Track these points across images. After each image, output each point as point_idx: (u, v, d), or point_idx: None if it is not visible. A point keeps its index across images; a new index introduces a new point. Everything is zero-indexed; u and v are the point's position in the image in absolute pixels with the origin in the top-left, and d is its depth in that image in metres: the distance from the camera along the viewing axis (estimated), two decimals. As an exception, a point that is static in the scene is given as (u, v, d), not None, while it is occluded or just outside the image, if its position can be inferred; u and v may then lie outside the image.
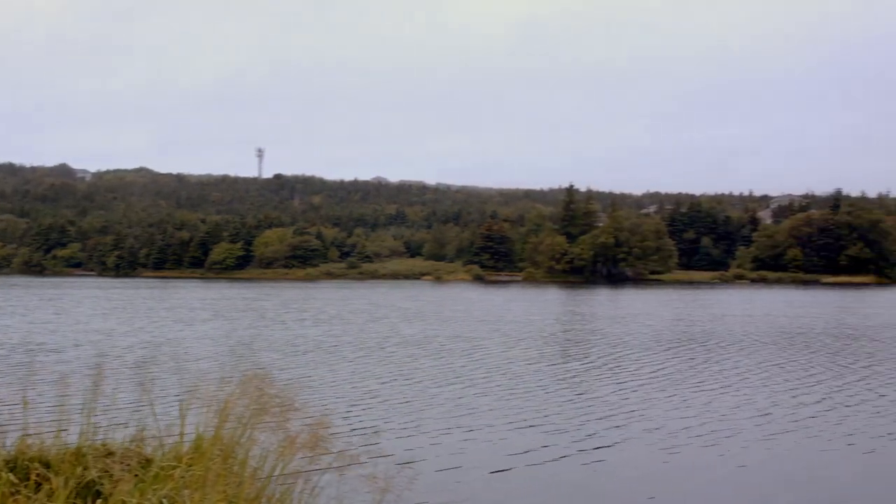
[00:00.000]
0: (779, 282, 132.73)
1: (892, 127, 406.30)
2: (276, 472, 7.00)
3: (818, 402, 18.56)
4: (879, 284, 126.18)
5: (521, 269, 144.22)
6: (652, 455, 13.33)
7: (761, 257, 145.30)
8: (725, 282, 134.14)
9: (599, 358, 27.17)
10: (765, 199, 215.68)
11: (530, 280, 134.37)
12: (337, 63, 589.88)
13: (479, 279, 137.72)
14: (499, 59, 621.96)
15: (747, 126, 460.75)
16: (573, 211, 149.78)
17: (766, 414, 16.85)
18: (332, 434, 7.30)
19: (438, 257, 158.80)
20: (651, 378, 22.26)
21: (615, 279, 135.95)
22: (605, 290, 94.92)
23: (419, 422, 15.70)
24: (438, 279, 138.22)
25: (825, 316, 50.12)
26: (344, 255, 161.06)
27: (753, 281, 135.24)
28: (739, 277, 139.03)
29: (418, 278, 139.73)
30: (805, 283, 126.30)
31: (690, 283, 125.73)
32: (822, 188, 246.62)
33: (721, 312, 52.75)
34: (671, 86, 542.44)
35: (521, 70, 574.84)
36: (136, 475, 6.27)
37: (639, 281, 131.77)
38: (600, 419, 16.21)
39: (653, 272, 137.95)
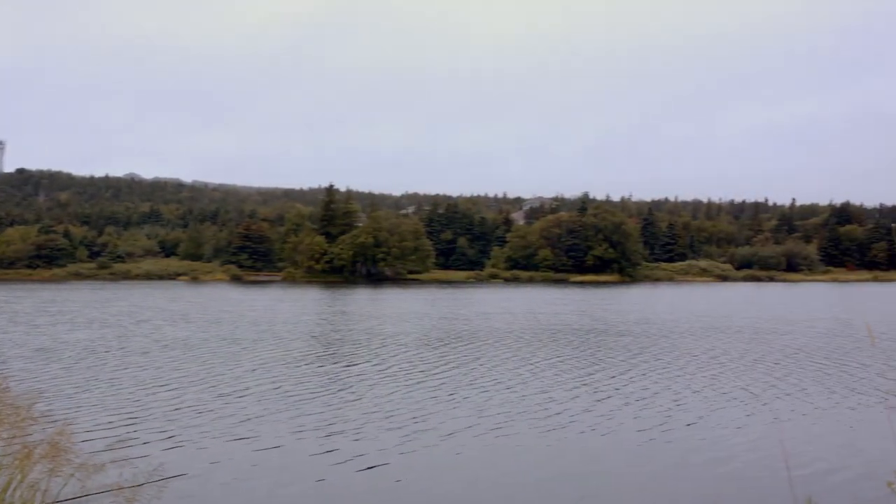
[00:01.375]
0: (531, 280, 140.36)
1: (633, 136, 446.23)
2: (12, 486, 6.73)
3: (591, 395, 19.62)
4: (622, 283, 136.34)
5: (280, 269, 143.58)
6: (437, 457, 13.54)
7: (514, 257, 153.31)
8: (481, 281, 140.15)
9: (375, 358, 27.43)
10: (518, 202, 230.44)
11: (290, 280, 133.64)
12: (86, 52, 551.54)
13: (237, 279, 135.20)
14: (257, 55, 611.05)
15: (503, 131, 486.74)
16: (333, 211, 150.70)
17: (544, 410, 17.57)
18: (78, 443, 7.11)
19: (195, 257, 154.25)
20: (428, 377, 22.66)
21: (374, 279, 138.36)
22: (366, 290, 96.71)
23: (183, 430, 15.13)
24: (195, 279, 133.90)
25: (581, 313, 53.06)
26: (94, 255, 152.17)
27: (507, 280, 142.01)
28: (494, 276, 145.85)
29: (174, 279, 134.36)
30: (555, 282, 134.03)
31: (448, 283, 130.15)
32: (571, 191, 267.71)
33: (485, 310, 54.84)
34: (429, 91, 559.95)
35: (282, 67, 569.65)
36: None
37: (398, 280, 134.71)
38: (383, 421, 16.28)
39: (411, 272, 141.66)
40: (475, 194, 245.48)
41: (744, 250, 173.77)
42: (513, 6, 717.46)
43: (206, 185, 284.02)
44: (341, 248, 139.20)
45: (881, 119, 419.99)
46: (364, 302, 68.29)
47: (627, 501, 11.63)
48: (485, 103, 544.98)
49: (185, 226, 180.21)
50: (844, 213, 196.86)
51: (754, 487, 11.95)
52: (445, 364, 25.56)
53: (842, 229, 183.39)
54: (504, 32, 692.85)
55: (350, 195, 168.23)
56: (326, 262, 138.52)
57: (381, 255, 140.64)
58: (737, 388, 21.11)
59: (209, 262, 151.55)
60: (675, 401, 19.04)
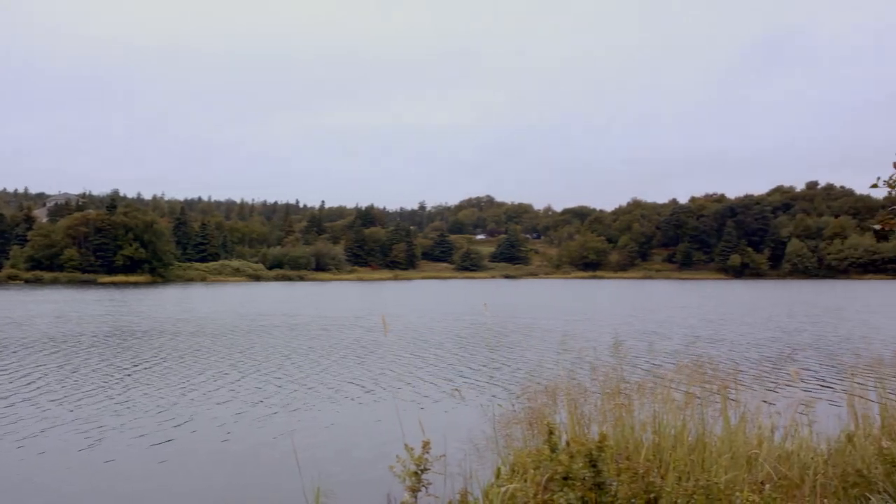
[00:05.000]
0: (55, 282, 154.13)
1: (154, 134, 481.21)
2: None
3: (112, 402, 22.01)
4: (153, 283, 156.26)
5: None
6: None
7: (37, 257, 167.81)
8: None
9: None
10: (41, 198, 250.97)
11: None
12: None
13: None
14: None
15: (29, 124, 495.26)
16: None
17: (44, 419, 19.73)
18: None
19: None
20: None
21: None
22: None
23: None
24: None
25: (134, 315, 58.68)
26: None
27: (28, 281, 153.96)
28: (13, 278, 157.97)
29: None
30: (83, 283, 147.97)
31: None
32: (100, 189, 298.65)
33: (32, 314, 59.18)
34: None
35: None
36: None
37: None
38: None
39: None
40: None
41: (275, 251, 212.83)
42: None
43: None
44: None
45: (406, 130, 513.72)
46: None
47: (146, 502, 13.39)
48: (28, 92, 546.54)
49: None
50: (369, 216, 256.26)
51: (268, 481, 14.30)
52: None
53: (367, 231, 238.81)
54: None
55: None
56: None
57: None
58: (265, 383, 25.65)
59: None
60: (203, 400, 22.33)
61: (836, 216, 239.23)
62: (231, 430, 18.88)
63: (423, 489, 6.35)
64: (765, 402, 12.20)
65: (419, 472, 6.34)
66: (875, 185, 4.45)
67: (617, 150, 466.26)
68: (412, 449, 6.45)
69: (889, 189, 4.36)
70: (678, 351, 34.03)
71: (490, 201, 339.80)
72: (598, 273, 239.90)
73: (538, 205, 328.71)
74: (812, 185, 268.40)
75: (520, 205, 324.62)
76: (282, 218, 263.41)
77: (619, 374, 12.46)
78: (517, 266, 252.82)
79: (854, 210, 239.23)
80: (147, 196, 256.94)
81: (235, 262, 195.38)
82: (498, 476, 9.92)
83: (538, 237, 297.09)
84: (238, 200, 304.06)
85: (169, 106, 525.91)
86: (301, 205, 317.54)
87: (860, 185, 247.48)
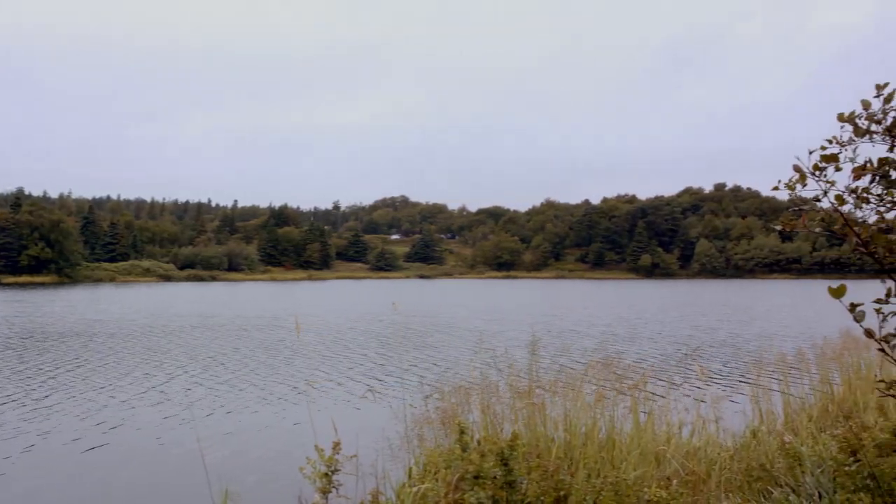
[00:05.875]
0: None
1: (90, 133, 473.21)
2: None
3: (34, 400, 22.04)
4: (60, 284, 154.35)
5: None
6: None
7: None
8: None
9: None
10: None
11: None
12: None
13: None
14: None
15: None
16: None
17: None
18: None
19: None
20: None
21: None
22: None
23: None
24: None
25: (28, 317, 58.05)
26: None
27: None
28: None
29: None
30: None
31: None
32: (5, 186, 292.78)
33: None
34: None
35: None
36: None
37: None
38: None
39: None
40: None
41: (186, 250, 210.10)
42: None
43: None
44: None
45: (320, 129, 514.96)
46: None
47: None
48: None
49: None
50: (282, 216, 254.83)
51: (175, 484, 14.36)
52: None
53: (280, 231, 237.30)
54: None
55: None
56: None
57: None
58: (179, 386, 25.42)
59: None
60: (115, 404, 22.15)
61: (743, 217, 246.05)
62: (140, 433, 18.71)
63: (334, 490, 6.26)
64: (673, 399, 12.51)
65: (330, 473, 6.25)
66: (776, 188, 4.60)
67: (531, 151, 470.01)
68: (322, 450, 6.35)
69: (789, 191, 4.52)
70: (591, 349, 34.22)
71: (405, 201, 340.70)
72: (512, 273, 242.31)
73: (453, 205, 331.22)
74: (720, 187, 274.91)
75: (434, 205, 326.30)
76: (193, 217, 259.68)
77: (532, 373, 12.55)
78: (432, 266, 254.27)
79: (760, 211, 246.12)
80: (53, 194, 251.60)
81: (146, 262, 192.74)
82: (410, 476, 10.07)
83: (453, 237, 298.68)
84: (148, 199, 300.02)
85: (69, 99, 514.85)
86: (213, 204, 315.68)
87: (766, 187, 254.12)
